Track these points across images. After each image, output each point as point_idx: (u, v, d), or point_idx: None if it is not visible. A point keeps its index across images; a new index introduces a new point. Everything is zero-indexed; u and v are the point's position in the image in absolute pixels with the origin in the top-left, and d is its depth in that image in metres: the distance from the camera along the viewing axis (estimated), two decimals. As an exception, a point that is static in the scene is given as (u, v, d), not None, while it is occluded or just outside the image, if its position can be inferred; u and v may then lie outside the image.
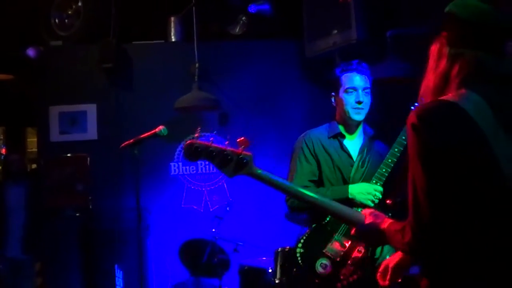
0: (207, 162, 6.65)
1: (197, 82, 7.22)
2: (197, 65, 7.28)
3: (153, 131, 5.15)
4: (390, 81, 5.45)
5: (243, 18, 7.82)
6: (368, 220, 2.62)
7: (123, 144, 5.20)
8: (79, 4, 7.80)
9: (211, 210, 7.48)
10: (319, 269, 4.18)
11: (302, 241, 4.32)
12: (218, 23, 8.13)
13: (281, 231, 6.40)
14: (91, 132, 7.54)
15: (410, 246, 2.27)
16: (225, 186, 7.48)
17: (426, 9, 6.26)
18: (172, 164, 7.54)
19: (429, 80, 2.39)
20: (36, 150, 9.10)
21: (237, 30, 7.89)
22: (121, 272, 7.03)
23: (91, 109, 7.56)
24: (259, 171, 2.76)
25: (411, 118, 2.22)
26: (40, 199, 7.30)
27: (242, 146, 2.68)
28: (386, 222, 2.49)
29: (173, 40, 7.89)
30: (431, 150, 2.17)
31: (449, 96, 2.26)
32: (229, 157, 2.67)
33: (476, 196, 2.15)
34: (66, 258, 7.05)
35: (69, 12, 7.92)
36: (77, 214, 7.05)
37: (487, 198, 2.15)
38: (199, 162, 7.53)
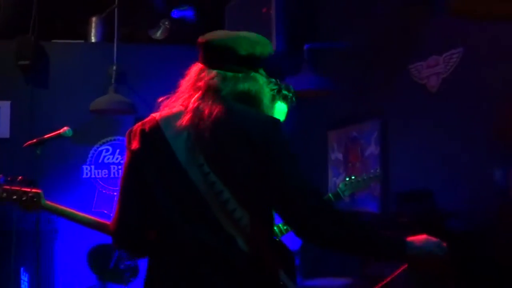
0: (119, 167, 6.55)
1: (114, 84, 7.15)
2: (114, 67, 7.22)
3: (57, 132, 5.06)
4: (305, 94, 5.48)
5: (166, 22, 7.80)
6: None
7: (26, 144, 5.06)
8: (-2, -2, 7.64)
9: None
10: None
11: None
12: (140, 27, 8.10)
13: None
14: (3, 130, 7.41)
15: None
16: (137, 191, 7.42)
17: (343, 25, 6.38)
18: (84, 166, 7.43)
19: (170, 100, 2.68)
20: None
21: (159, 34, 7.86)
22: (27, 275, 6.86)
23: (4, 106, 7.42)
24: (49, 205, 3.11)
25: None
26: None
27: (31, 186, 2.87)
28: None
29: (93, 40, 7.82)
30: (128, 157, 2.53)
31: (159, 111, 2.59)
32: (20, 197, 2.91)
33: (166, 202, 2.41)
34: None
35: None
36: None
37: (177, 202, 2.40)
38: (111, 166, 7.51)
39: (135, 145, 2.46)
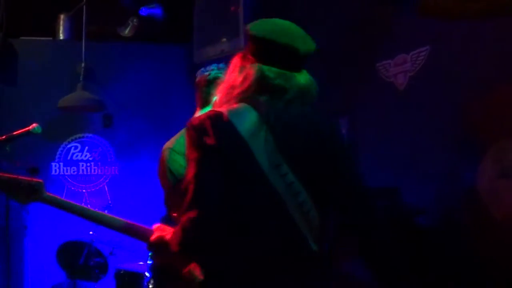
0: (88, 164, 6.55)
1: (82, 82, 7.18)
2: (83, 64, 7.25)
3: (26, 129, 5.05)
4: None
5: (134, 20, 7.80)
6: (154, 236, 2.67)
7: (-5, 140, 5.08)
8: (-34, -6, 7.59)
9: None
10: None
11: None
12: (109, 24, 8.06)
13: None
14: (-30, 126, 7.33)
15: (180, 246, 2.33)
16: (106, 188, 7.44)
17: (312, 23, 6.40)
18: (53, 163, 7.43)
19: (219, 91, 2.58)
20: None
21: (127, 32, 7.86)
22: (-5, 271, 6.88)
23: (-28, 103, 7.38)
24: (50, 196, 2.87)
25: (187, 125, 2.40)
26: None
27: (33, 174, 2.76)
28: (170, 233, 2.52)
29: (61, 38, 7.81)
30: (202, 152, 2.34)
31: (223, 107, 2.43)
32: (21, 185, 2.73)
33: (243, 199, 2.34)
34: None
35: None
36: None
37: (253, 201, 2.34)
38: (80, 163, 7.51)
39: (209, 140, 2.34)
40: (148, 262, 5.69)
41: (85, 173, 7.47)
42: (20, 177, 2.69)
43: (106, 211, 6.44)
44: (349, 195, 2.50)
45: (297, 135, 2.41)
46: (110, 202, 7.25)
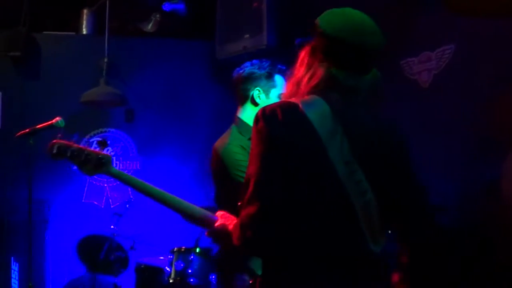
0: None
1: (105, 76, 7.20)
2: (106, 59, 7.26)
3: (49, 122, 5.11)
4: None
5: (157, 15, 7.86)
6: (218, 223, 2.67)
7: (18, 133, 5.16)
8: (-10, -11, 7.66)
9: (111, 206, 7.46)
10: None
11: None
12: (132, 19, 8.11)
13: (179, 231, 6.44)
14: (-6, 120, 7.45)
15: (239, 242, 2.34)
16: (127, 183, 7.46)
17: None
18: (75, 158, 7.43)
19: (287, 86, 2.53)
20: None
21: (150, 27, 7.92)
22: (17, 264, 6.93)
23: (-5, 97, 7.47)
24: (117, 171, 2.84)
25: (256, 116, 2.36)
26: None
27: (102, 147, 2.74)
28: (233, 223, 2.52)
29: (84, 33, 7.84)
30: (269, 144, 2.29)
31: (293, 99, 2.39)
32: (89, 157, 2.73)
33: (308, 194, 2.30)
34: None
35: None
36: None
37: (320, 196, 2.30)
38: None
39: (279, 130, 2.31)
40: (169, 256, 5.71)
41: (106, 166, 7.49)
42: (89, 149, 2.71)
43: (127, 205, 6.57)
44: (410, 201, 2.50)
45: (369, 135, 2.39)
46: (131, 196, 7.27)
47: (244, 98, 3.93)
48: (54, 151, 2.73)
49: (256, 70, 3.93)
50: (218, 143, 3.83)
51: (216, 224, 2.66)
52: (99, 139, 2.65)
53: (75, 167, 2.76)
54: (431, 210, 2.60)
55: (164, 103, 7.67)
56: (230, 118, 6.60)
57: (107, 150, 7.50)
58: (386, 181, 2.40)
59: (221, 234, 2.63)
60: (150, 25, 7.88)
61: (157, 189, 2.89)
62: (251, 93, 3.90)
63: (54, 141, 2.74)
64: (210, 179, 3.90)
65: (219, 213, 2.73)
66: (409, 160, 2.53)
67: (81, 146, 2.73)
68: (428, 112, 4.81)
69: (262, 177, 2.29)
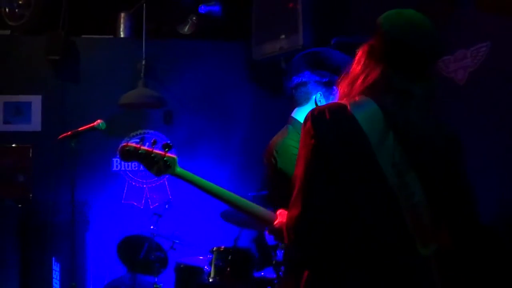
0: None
1: (143, 79, 7.29)
2: (143, 62, 7.35)
3: (91, 125, 5.19)
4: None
5: (193, 18, 7.92)
6: (277, 221, 2.72)
7: (61, 136, 5.22)
8: (30, -6, 7.78)
9: (151, 207, 7.52)
10: None
11: None
12: (168, 22, 8.20)
13: (218, 231, 6.49)
14: (35, 123, 7.55)
15: (288, 242, 2.41)
16: (166, 184, 7.53)
17: (370, 19, 6.39)
18: (114, 159, 7.55)
19: (341, 84, 2.51)
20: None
21: (186, 29, 7.98)
22: (58, 264, 7.01)
23: (36, 100, 7.58)
24: (182, 171, 2.89)
25: (305, 117, 2.39)
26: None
27: (166, 149, 2.81)
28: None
29: (122, 36, 7.94)
30: (316, 145, 2.31)
31: (344, 100, 2.40)
32: (155, 159, 2.80)
33: (353, 196, 2.31)
34: (4, 249, 6.92)
35: (20, 2, 7.90)
36: (20, 206, 6.97)
37: (365, 199, 2.31)
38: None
39: (326, 130, 2.33)
40: (208, 256, 5.77)
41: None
42: (155, 151, 2.79)
43: (167, 205, 6.62)
44: (465, 199, 2.52)
45: (421, 139, 2.38)
46: (170, 197, 7.34)
47: (305, 100, 3.99)
48: (124, 153, 2.83)
49: (319, 78, 4.03)
50: (275, 139, 3.89)
51: (275, 223, 2.72)
52: (165, 142, 2.74)
53: (143, 168, 2.85)
54: (477, 217, 2.57)
55: (201, 104, 7.72)
56: (266, 117, 6.64)
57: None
58: (439, 186, 2.40)
59: (279, 232, 2.68)
60: (187, 27, 7.94)
61: (223, 190, 2.94)
62: (313, 96, 3.97)
63: (124, 144, 2.83)
64: (248, 178, 3.94)
65: (279, 212, 2.77)
66: (463, 168, 2.53)
67: (148, 148, 2.81)
68: (464, 110, 4.79)
69: (306, 179, 2.31)
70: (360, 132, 2.29)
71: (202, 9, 7.65)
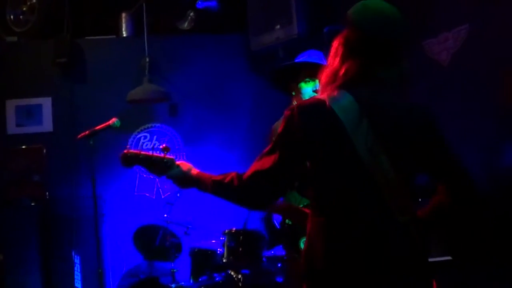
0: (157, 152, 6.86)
1: (148, 75, 7.46)
2: (147, 59, 7.51)
3: (107, 123, 5.31)
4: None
5: (191, 13, 8.09)
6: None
7: (79, 136, 5.38)
8: (34, 0, 7.92)
9: (162, 197, 7.64)
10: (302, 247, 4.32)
11: None
12: (168, 19, 8.32)
13: (228, 214, 6.68)
14: (47, 124, 7.68)
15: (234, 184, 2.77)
16: (176, 174, 7.65)
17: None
18: (124, 154, 7.66)
19: (323, 76, 2.70)
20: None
21: (186, 25, 8.16)
22: (78, 257, 7.20)
23: (46, 102, 7.71)
24: (179, 172, 3.10)
25: (289, 109, 2.64)
26: (-2, 191, 7.35)
27: (165, 152, 3.06)
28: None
29: (124, 35, 8.08)
30: (288, 128, 2.62)
31: (323, 95, 2.62)
32: (155, 162, 3.05)
33: (332, 178, 2.59)
34: (24, 246, 6.98)
35: (24, 9, 8.02)
36: (33, 204, 7.03)
37: (348, 178, 2.57)
38: (150, 151, 7.70)
39: (305, 122, 2.55)
40: (221, 238, 5.92)
41: (155, 160, 7.68)
42: (154, 154, 3.01)
43: (178, 194, 6.79)
44: (450, 168, 2.72)
45: (393, 121, 2.57)
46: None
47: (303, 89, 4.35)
48: (126, 160, 3.08)
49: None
50: (277, 124, 4.15)
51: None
52: (164, 145, 2.93)
53: (144, 170, 3.08)
54: (469, 174, 2.73)
55: (205, 95, 7.84)
56: (268, 105, 6.80)
57: (155, 144, 7.75)
58: (406, 165, 2.59)
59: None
60: (186, 23, 8.12)
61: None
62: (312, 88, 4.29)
63: (125, 151, 3.08)
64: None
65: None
66: (442, 136, 2.69)
67: (148, 153, 3.05)
68: (448, 90, 4.93)
69: (273, 156, 2.63)
70: (339, 122, 2.51)
71: (200, 4, 7.81)
